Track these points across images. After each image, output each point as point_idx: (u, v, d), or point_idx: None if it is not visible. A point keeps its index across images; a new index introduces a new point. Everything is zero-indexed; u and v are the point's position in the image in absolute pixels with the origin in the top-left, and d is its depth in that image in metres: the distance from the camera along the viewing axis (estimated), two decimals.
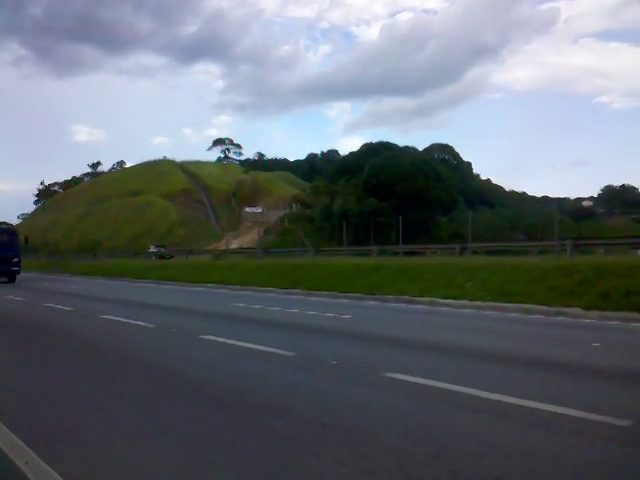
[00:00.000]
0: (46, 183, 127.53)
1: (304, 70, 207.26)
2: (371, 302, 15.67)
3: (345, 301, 16.09)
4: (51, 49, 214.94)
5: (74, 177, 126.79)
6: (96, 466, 3.84)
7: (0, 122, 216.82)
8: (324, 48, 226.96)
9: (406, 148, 68.12)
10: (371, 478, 3.53)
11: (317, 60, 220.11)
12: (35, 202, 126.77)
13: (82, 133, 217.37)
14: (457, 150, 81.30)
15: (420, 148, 73.38)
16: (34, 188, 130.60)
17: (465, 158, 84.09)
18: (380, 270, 18.98)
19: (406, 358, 7.54)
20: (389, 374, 6.19)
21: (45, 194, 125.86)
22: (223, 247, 46.77)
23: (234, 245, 51.87)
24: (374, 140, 72.40)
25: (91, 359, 7.79)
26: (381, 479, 3.53)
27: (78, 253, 60.50)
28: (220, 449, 4.10)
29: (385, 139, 72.25)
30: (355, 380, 6.22)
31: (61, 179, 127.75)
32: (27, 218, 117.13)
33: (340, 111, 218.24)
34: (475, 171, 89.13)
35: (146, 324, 10.72)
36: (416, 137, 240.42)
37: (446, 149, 79.08)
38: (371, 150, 64.82)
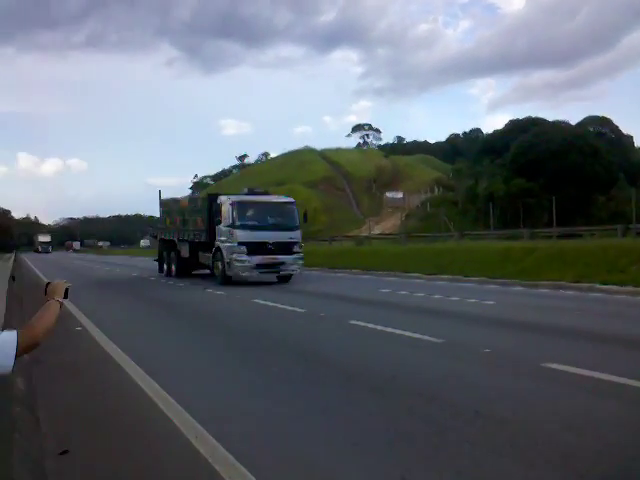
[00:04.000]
0: (199, 176, 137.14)
1: (443, 48, 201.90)
2: (520, 288, 14.99)
3: (493, 287, 15.56)
4: (198, 48, 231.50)
5: (224, 169, 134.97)
6: (259, 442, 4.12)
7: (158, 121, 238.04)
8: (464, 24, 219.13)
9: (557, 123, 63.30)
10: (533, 470, 3.43)
11: (457, 37, 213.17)
12: None
13: (230, 127, 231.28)
14: (616, 123, 73.96)
15: (573, 122, 67.91)
16: (189, 181, 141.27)
17: (625, 131, 76.33)
18: (532, 254, 18.05)
19: (564, 347, 7.14)
20: (546, 364, 5.92)
21: (199, 187, 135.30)
22: (365, 233, 47.24)
23: (376, 231, 52.15)
24: (521, 116, 68.38)
25: (247, 343, 8.31)
26: (543, 472, 3.41)
27: None
28: (376, 432, 4.21)
29: (533, 114, 67.83)
30: (510, 369, 6.03)
31: (212, 172, 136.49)
32: None
33: (483, 88, 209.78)
34: (638, 144, 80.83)
35: (297, 309, 11.20)
36: (568, 111, 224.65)
37: (603, 122, 72.31)
38: (518, 127, 61.36)
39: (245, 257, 17.08)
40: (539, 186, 44.13)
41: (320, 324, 9.82)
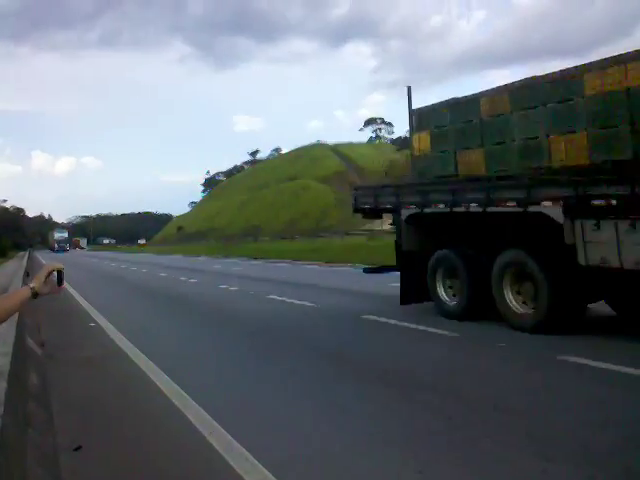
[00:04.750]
0: (211, 173, 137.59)
1: (457, 40, 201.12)
2: None
3: None
4: (210, 44, 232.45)
5: (235, 165, 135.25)
6: (276, 438, 4.08)
7: (170, 118, 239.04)
8: (478, 15, 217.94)
9: None
10: (552, 464, 3.36)
11: (471, 29, 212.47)
12: (203, 191, 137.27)
13: (241, 123, 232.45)
14: None
15: None
16: (201, 178, 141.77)
17: None
18: None
19: (580, 341, 7.02)
20: (563, 357, 5.83)
21: (211, 183, 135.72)
22: (378, 227, 47.07)
23: (388, 225, 51.93)
24: None
25: (261, 338, 8.27)
26: (562, 466, 3.34)
27: (241, 237, 64.73)
28: (392, 427, 4.16)
29: None
30: (526, 363, 5.96)
31: (224, 168, 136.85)
32: (195, 206, 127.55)
33: (498, 79, 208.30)
34: None
35: (310, 303, 11.13)
36: None
37: None
38: None
39: None
40: None
41: (334, 320, 9.72)
